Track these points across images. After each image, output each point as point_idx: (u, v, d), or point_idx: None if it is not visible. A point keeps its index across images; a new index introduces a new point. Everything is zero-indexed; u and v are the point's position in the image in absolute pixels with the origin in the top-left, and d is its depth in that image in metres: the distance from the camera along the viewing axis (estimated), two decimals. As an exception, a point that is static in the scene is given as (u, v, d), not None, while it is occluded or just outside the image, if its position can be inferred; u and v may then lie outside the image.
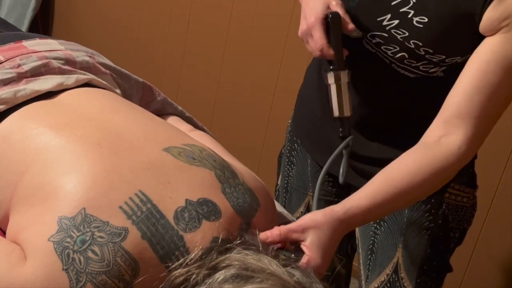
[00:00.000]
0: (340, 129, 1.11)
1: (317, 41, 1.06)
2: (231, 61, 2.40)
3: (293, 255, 0.87)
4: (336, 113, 1.10)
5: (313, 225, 0.90)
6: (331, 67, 1.09)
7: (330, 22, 1.06)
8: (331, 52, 1.06)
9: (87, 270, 0.77)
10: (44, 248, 0.78)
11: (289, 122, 1.40)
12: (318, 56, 1.08)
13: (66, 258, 0.77)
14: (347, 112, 1.10)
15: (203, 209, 0.86)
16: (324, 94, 1.23)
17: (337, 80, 1.09)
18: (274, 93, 2.30)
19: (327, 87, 1.11)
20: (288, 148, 1.38)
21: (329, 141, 1.18)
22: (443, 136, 0.98)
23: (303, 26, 1.08)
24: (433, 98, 1.05)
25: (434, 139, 0.99)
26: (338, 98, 1.09)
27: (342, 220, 0.92)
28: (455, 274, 1.31)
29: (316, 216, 0.92)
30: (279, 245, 0.89)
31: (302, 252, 0.89)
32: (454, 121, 0.98)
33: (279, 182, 1.43)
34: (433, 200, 1.19)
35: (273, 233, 0.89)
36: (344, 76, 1.09)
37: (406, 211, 1.21)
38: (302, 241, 0.90)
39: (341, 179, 1.13)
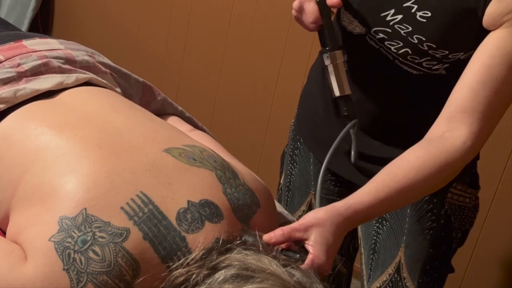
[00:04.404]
0: (344, 108, 1.12)
1: (310, 14, 1.08)
2: (231, 61, 2.40)
3: (298, 255, 0.86)
4: (336, 93, 1.12)
5: (315, 222, 0.90)
6: (326, 48, 1.11)
7: (318, 2, 1.08)
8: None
9: (88, 270, 0.77)
10: (44, 248, 0.78)
11: (292, 121, 1.40)
12: (313, 29, 1.10)
13: (67, 258, 0.77)
14: (347, 91, 1.12)
15: (206, 211, 0.86)
16: (327, 93, 1.23)
17: (333, 60, 1.11)
18: (274, 93, 2.30)
19: (325, 70, 1.13)
20: (291, 146, 1.38)
21: (332, 140, 1.17)
22: (447, 132, 0.97)
23: (295, 3, 1.10)
24: (436, 97, 1.05)
25: (438, 135, 0.97)
26: (337, 77, 1.11)
27: (344, 216, 0.92)
28: (455, 274, 1.31)
29: (318, 213, 0.91)
30: (283, 245, 0.88)
31: (307, 251, 0.88)
32: (459, 116, 0.96)
33: (281, 181, 1.43)
34: (435, 200, 1.19)
35: (276, 233, 0.88)
36: (340, 55, 1.11)
37: (409, 211, 1.21)
38: (306, 239, 0.89)
39: (353, 159, 1.15)
